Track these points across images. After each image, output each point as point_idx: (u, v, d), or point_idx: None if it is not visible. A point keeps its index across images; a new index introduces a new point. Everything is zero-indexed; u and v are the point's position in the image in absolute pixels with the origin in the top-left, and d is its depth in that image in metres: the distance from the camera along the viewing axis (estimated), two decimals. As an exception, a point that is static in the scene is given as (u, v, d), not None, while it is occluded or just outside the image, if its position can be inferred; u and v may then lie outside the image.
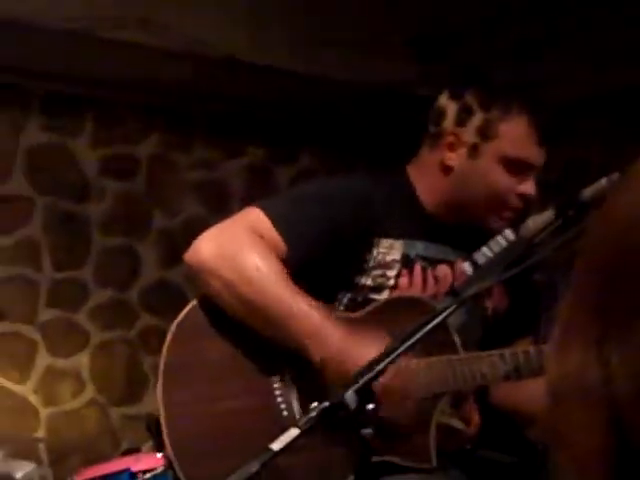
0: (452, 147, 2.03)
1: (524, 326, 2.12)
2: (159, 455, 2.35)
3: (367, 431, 1.49)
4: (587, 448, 0.57)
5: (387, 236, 2.01)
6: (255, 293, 1.87)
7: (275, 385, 1.94)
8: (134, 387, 3.81)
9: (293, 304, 1.85)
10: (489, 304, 2.12)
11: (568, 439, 0.58)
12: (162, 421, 1.91)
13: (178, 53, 3.48)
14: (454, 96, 2.06)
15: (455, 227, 2.08)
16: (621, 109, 3.73)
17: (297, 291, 1.87)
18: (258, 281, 1.87)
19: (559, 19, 3.57)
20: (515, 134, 2.00)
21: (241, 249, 1.90)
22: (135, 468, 2.78)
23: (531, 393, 1.92)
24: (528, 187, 2.01)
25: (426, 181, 2.07)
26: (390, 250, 2.02)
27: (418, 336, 1.58)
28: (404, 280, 2.02)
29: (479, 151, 2.01)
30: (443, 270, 2.06)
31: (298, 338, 1.84)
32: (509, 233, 1.80)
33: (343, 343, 1.83)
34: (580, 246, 0.60)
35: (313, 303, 1.87)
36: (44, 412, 3.64)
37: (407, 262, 2.03)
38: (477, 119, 2.01)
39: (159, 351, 1.98)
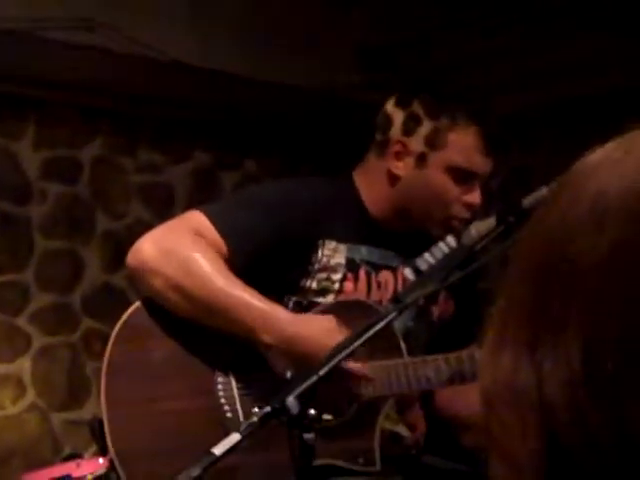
0: (399, 156, 2.03)
1: (469, 334, 2.14)
2: (101, 460, 2.33)
3: (309, 436, 1.50)
4: (520, 453, 0.56)
5: (331, 238, 2.02)
6: (199, 286, 1.87)
7: (218, 386, 1.94)
8: (76, 392, 3.76)
9: (238, 293, 1.86)
10: (435, 311, 2.14)
11: (501, 444, 0.58)
12: (104, 421, 1.90)
13: (125, 56, 3.46)
14: (401, 104, 2.05)
15: (399, 233, 2.09)
16: (566, 119, 3.79)
17: (240, 282, 1.88)
18: (201, 275, 1.87)
19: (509, 29, 3.62)
20: (463, 144, 1.99)
21: (183, 247, 1.90)
22: (76, 474, 2.74)
23: (472, 400, 1.94)
24: (475, 197, 2.02)
25: (372, 188, 2.07)
26: (335, 253, 2.02)
27: (362, 340, 1.59)
28: (349, 284, 2.03)
29: (427, 160, 2.01)
30: (385, 276, 2.07)
31: (246, 323, 1.84)
32: (451, 239, 1.82)
33: (292, 324, 1.85)
34: (512, 252, 0.61)
35: (257, 293, 1.87)
36: (-17, 417, 3.58)
37: (352, 266, 2.04)
38: (425, 128, 2.01)
39: (102, 356, 1.97)
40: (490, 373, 0.59)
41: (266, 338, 1.84)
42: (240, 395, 1.94)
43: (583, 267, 0.55)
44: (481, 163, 2.02)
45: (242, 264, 1.94)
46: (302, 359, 1.81)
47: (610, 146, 0.59)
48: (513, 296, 0.59)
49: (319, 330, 1.85)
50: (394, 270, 2.07)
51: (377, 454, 1.91)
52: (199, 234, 1.92)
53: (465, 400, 1.99)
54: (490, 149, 2.01)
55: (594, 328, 0.54)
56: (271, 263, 1.97)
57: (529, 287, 0.58)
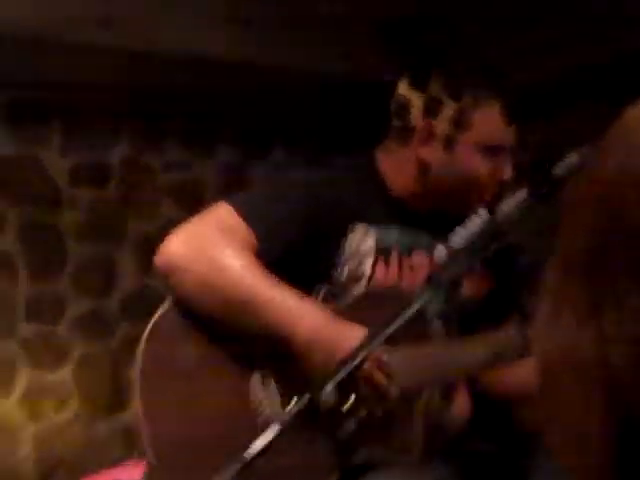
0: (425, 141, 1.98)
1: (508, 310, 2.08)
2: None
3: (349, 425, 1.44)
4: (584, 424, 0.53)
5: (361, 221, 1.97)
6: (230, 283, 1.82)
7: (253, 385, 1.90)
8: (118, 398, 3.75)
9: (269, 289, 1.81)
10: (467, 289, 2.08)
11: (562, 413, 0.55)
12: (141, 426, 1.87)
13: (144, 54, 3.43)
14: (417, 86, 1.98)
15: (429, 213, 2.04)
16: (589, 87, 3.72)
17: (270, 277, 1.83)
18: (231, 271, 1.83)
19: (529, 1, 3.54)
20: (490, 121, 1.95)
21: (211, 244, 1.86)
22: (124, 478, 2.75)
23: (521, 375, 1.88)
24: (507, 172, 1.98)
25: (400, 174, 2.02)
26: (365, 237, 1.98)
27: (396, 326, 1.54)
28: (380, 269, 1.98)
29: (455, 142, 1.96)
30: (418, 257, 2.02)
31: (279, 322, 1.79)
32: (484, 213, 1.75)
33: (326, 321, 1.78)
34: (563, 216, 0.57)
35: (288, 287, 1.82)
36: (28, 428, 3.58)
37: (383, 250, 1.99)
38: (448, 109, 1.95)
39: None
40: (547, 340, 0.56)
41: (298, 336, 1.78)
42: (275, 394, 1.89)
43: None
44: (507, 136, 1.98)
45: (272, 257, 1.90)
46: (325, 362, 1.72)
47: None
48: (568, 258, 0.56)
49: (350, 338, 1.76)
50: (428, 250, 2.02)
51: (416, 445, 1.85)
52: (228, 229, 1.88)
53: (515, 377, 1.93)
54: (512, 118, 1.96)
55: None
56: (301, 254, 1.93)
57: (586, 246, 0.55)
